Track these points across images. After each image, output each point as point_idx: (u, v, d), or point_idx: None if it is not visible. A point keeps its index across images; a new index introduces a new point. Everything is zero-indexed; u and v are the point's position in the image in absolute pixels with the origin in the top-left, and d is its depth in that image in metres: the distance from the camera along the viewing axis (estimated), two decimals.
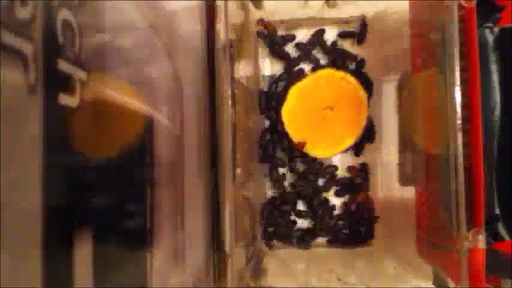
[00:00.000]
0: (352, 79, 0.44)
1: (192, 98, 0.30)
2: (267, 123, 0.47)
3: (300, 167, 0.47)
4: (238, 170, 0.34)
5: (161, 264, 0.24)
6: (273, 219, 0.47)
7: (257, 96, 0.47)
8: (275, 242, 0.47)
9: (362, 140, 0.46)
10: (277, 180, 0.47)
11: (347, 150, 0.46)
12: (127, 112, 0.21)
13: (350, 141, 0.45)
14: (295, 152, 0.46)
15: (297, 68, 0.48)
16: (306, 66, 0.48)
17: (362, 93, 0.44)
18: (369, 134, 0.46)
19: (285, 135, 0.45)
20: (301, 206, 0.48)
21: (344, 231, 0.47)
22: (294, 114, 0.45)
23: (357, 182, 0.47)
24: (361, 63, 0.47)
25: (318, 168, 0.47)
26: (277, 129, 0.46)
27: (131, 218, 0.21)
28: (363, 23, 0.47)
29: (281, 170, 0.48)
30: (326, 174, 0.47)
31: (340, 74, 0.45)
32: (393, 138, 0.43)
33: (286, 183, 0.48)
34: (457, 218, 0.30)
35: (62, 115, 0.15)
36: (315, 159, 0.47)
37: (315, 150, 0.45)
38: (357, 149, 0.47)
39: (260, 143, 0.47)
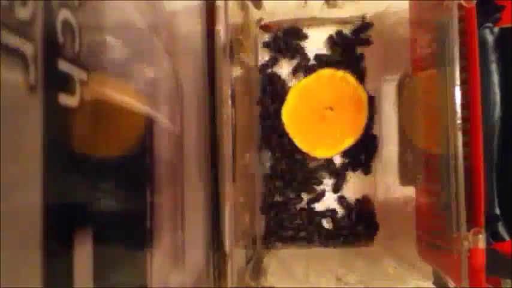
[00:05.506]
0: (352, 79, 0.44)
1: (192, 98, 0.30)
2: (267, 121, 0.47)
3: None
4: (238, 171, 0.34)
5: (161, 264, 0.24)
6: (274, 218, 0.47)
7: (257, 96, 0.47)
8: (275, 241, 0.47)
9: (368, 157, 0.47)
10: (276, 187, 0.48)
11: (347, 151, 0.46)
12: (127, 112, 0.21)
13: (350, 141, 0.45)
14: (294, 154, 0.47)
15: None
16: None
17: (362, 93, 0.44)
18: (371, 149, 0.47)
19: (285, 135, 0.45)
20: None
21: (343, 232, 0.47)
22: (294, 115, 0.45)
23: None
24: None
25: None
26: (276, 129, 0.46)
27: (131, 218, 0.21)
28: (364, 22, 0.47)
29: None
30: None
31: (340, 74, 0.45)
32: (393, 138, 0.43)
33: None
34: (457, 218, 0.30)
35: (62, 115, 0.15)
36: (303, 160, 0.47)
37: (315, 151, 0.45)
38: (366, 167, 0.47)
39: (259, 145, 0.47)
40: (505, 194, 0.34)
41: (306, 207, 0.47)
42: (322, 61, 0.47)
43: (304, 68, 0.47)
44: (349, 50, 0.47)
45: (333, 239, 0.47)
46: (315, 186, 0.47)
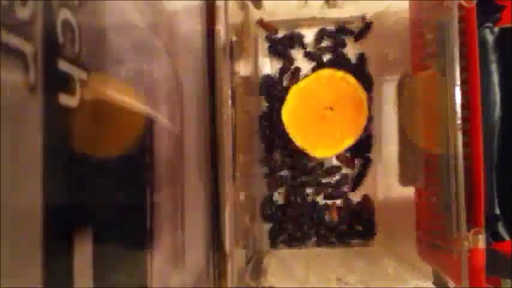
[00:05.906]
0: (352, 79, 0.44)
1: (192, 98, 0.30)
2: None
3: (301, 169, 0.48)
4: (238, 171, 0.34)
5: (161, 264, 0.24)
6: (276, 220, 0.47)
7: (257, 96, 0.47)
8: (275, 241, 0.47)
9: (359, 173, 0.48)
10: (277, 184, 0.48)
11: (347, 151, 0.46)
12: (127, 112, 0.21)
13: (350, 142, 0.45)
14: (293, 153, 0.47)
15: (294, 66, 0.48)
16: (305, 65, 0.48)
17: (362, 94, 0.44)
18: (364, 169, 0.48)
19: (285, 135, 0.45)
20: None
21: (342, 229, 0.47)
22: (294, 115, 0.45)
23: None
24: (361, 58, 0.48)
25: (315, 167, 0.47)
26: (276, 129, 0.46)
27: (131, 218, 0.21)
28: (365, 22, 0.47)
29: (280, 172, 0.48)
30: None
31: (340, 74, 0.45)
32: (393, 138, 0.43)
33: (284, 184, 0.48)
34: (457, 218, 0.30)
35: (62, 115, 0.15)
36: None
37: (315, 151, 0.45)
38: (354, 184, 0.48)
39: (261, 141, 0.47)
40: (505, 194, 0.34)
41: (306, 207, 0.47)
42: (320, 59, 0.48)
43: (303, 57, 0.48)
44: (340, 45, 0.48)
45: (333, 238, 0.47)
46: (317, 186, 0.48)
